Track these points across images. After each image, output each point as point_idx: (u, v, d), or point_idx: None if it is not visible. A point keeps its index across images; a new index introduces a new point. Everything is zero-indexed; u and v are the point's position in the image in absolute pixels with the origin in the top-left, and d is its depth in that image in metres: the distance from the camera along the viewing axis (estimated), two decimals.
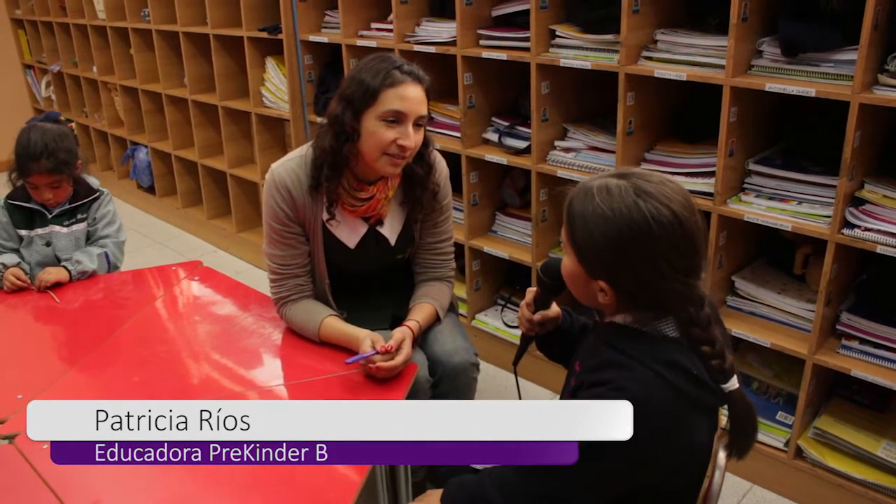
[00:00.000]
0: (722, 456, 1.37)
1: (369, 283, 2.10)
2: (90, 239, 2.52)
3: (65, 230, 2.47)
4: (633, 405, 1.17)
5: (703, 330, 1.24)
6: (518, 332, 2.85)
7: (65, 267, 2.36)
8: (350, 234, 1.99)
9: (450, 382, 1.98)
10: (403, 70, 1.82)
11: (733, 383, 1.26)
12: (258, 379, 1.85)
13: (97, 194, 2.53)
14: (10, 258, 2.39)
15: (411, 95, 1.81)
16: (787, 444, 2.33)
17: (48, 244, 2.46)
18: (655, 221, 1.18)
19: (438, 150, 2.06)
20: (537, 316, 1.57)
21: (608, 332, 1.31)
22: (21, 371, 1.93)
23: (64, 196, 2.46)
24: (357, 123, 1.83)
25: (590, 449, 1.18)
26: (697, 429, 1.26)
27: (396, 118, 1.81)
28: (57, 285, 2.32)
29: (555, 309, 1.58)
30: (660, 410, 1.19)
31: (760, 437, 2.36)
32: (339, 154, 1.86)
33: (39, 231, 2.46)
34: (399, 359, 1.77)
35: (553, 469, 1.23)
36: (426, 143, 1.94)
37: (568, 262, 1.31)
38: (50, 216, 2.46)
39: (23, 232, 2.46)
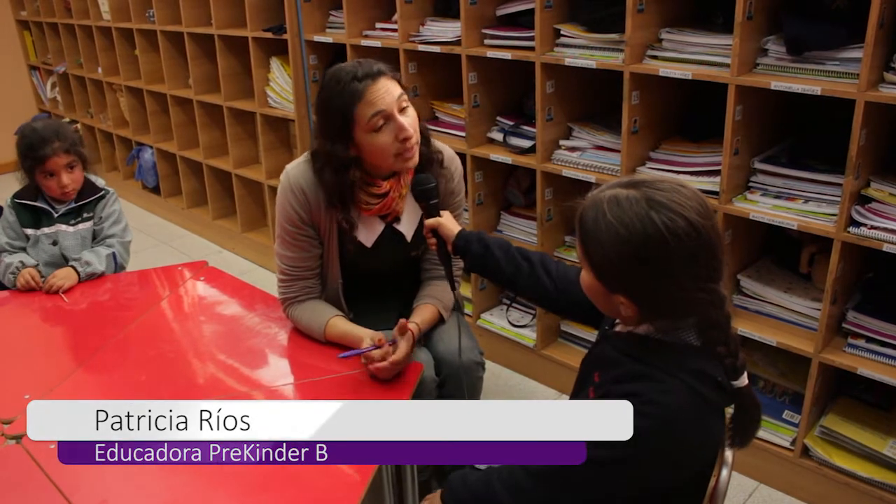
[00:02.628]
0: (729, 454, 1.37)
1: (381, 283, 2.10)
2: (96, 238, 2.53)
3: (71, 229, 2.48)
4: (666, 417, 1.17)
5: (722, 331, 1.23)
6: (524, 331, 2.89)
7: (73, 267, 2.37)
8: (367, 232, 1.99)
9: (455, 382, 1.98)
10: (359, 77, 1.78)
11: (743, 380, 1.26)
12: (264, 379, 1.86)
13: (102, 193, 2.54)
14: (29, 259, 2.42)
15: (381, 94, 1.78)
16: (793, 442, 2.33)
17: (55, 243, 2.47)
18: (671, 234, 1.14)
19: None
20: (424, 227, 1.76)
21: (629, 343, 1.29)
22: (28, 371, 1.93)
23: (79, 181, 2.48)
24: (351, 147, 1.83)
25: (613, 457, 1.18)
26: (718, 433, 1.26)
27: (383, 119, 1.79)
28: None
29: (446, 223, 1.73)
30: (691, 422, 1.19)
31: (767, 435, 2.36)
32: (343, 185, 1.86)
33: (46, 230, 2.47)
34: (398, 355, 1.76)
35: (569, 475, 1.23)
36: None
37: (586, 277, 1.28)
38: (56, 215, 2.48)
39: (29, 231, 2.48)
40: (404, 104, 1.82)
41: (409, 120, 1.82)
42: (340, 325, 1.92)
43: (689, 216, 1.16)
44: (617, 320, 1.36)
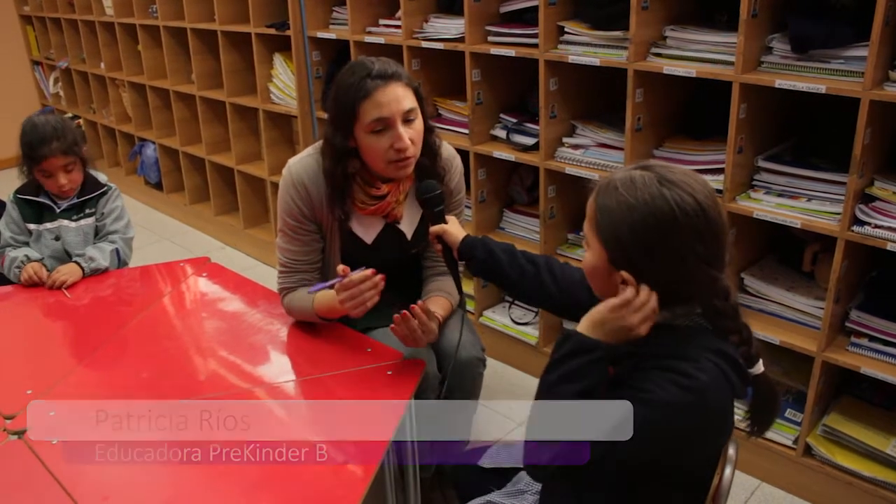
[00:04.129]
0: (732, 452, 1.37)
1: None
2: (98, 234, 2.53)
3: (73, 225, 2.48)
4: (702, 394, 1.17)
5: (732, 319, 1.25)
6: (526, 329, 2.89)
7: (77, 263, 2.38)
8: (367, 229, 1.99)
9: (456, 377, 1.98)
10: (373, 75, 1.78)
11: (759, 367, 1.28)
12: (266, 375, 1.85)
13: (105, 188, 2.55)
14: (34, 253, 2.42)
15: (389, 98, 1.78)
16: (796, 441, 2.32)
17: (57, 238, 2.47)
18: (680, 209, 1.18)
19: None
20: (430, 234, 1.80)
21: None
22: (30, 367, 1.93)
23: (77, 181, 2.48)
24: (351, 141, 1.84)
25: (642, 431, 1.17)
26: (733, 416, 1.27)
27: (382, 125, 1.79)
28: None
29: (451, 230, 1.77)
30: (721, 400, 1.20)
31: (770, 434, 2.36)
32: (337, 175, 1.87)
33: (48, 225, 2.48)
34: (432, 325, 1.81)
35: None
36: (429, 129, 1.92)
37: (589, 256, 1.30)
38: (58, 210, 2.48)
39: (31, 226, 2.48)
40: (411, 116, 1.82)
41: (411, 133, 1.82)
42: (327, 298, 1.90)
43: (697, 196, 1.20)
44: None
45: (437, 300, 2.01)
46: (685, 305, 1.27)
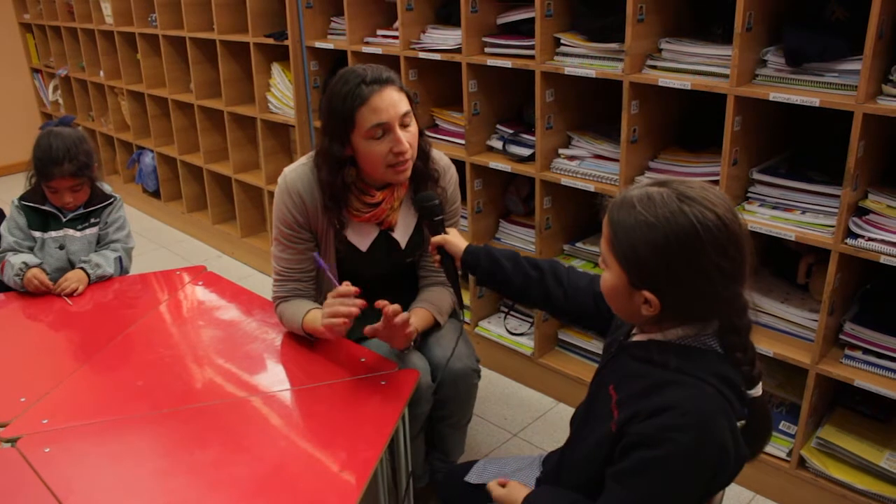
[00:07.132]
0: None
1: (377, 288, 2.10)
2: (101, 242, 2.56)
3: (78, 234, 2.50)
4: (701, 424, 1.16)
5: (741, 337, 1.23)
6: (522, 339, 2.90)
7: (83, 269, 2.39)
8: (362, 237, 2.00)
9: (450, 388, 1.98)
10: (367, 81, 1.80)
11: (758, 390, 1.27)
12: (261, 384, 1.86)
13: (111, 200, 2.56)
14: (32, 258, 2.42)
15: (385, 103, 1.80)
16: (789, 453, 2.33)
17: (61, 247, 2.48)
18: (701, 225, 1.16)
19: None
20: (431, 245, 1.80)
21: (650, 350, 1.27)
22: (24, 374, 1.93)
23: (83, 199, 2.50)
24: (348, 149, 1.85)
25: (660, 471, 1.18)
26: (738, 440, 1.26)
27: (382, 130, 1.81)
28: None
29: (452, 240, 1.77)
30: (723, 425, 1.19)
31: None
32: (336, 185, 1.88)
33: (53, 234, 2.49)
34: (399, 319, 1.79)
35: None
36: (420, 132, 1.93)
37: (609, 277, 1.27)
38: (64, 220, 2.49)
39: (36, 233, 2.49)
40: (407, 120, 1.84)
41: (408, 136, 1.84)
42: (315, 317, 1.91)
43: (718, 211, 1.17)
44: (634, 330, 1.35)
45: (419, 312, 2.01)
46: (700, 324, 1.25)
